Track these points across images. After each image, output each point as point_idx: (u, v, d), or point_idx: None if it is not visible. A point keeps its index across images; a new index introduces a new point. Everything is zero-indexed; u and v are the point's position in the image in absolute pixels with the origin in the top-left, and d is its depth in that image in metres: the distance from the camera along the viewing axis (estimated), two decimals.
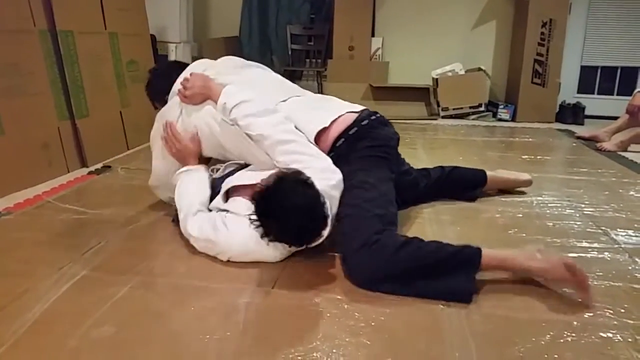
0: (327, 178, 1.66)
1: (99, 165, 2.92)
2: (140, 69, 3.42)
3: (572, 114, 4.64)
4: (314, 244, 1.53)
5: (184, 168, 1.91)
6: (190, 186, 1.86)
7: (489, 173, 2.35)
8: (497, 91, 5.08)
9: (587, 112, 4.66)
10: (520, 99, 4.64)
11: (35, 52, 2.60)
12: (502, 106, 4.75)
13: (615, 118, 3.89)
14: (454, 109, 4.75)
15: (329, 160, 1.74)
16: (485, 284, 1.55)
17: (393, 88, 4.83)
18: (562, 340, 1.28)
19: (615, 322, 1.37)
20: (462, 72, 4.82)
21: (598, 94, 4.95)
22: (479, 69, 4.79)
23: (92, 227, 2.00)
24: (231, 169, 1.96)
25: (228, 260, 1.67)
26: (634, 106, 3.59)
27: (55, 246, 1.82)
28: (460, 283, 1.46)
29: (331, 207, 1.61)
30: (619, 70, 4.87)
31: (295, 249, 1.65)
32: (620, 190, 2.58)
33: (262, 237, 1.46)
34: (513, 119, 4.68)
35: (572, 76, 4.90)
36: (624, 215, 2.20)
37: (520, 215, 2.18)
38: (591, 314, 1.40)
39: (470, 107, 4.77)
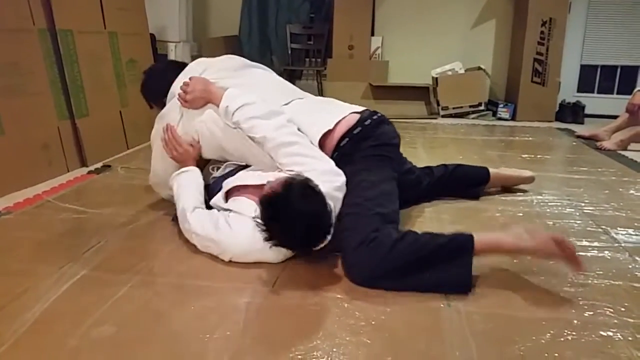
0: (330, 180, 1.67)
1: (98, 165, 2.92)
2: (140, 68, 3.41)
3: (572, 113, 4.64)
4: (315, 249, 1.54)
5: (179, 171, 1.92)
6: (187, 187, 1.86)
7: (491, 170, 2.36)
8: (497, 90, 5.08)
9: (587, 111, 4.66)
10: (520, 98, 4.64)
11: (35, 52, 2.60)
12: (502, 105, 4.75)
13: (615, 117, 3.89)
14: (453, 108, 4.75)
15: (332, 163, 1.75)
16: (485, 284, 1.55)
17: (393, 87, 4.83)
18: (562, 339, 1.28)
19: (616, 321, 1.37)
20: (462, 71, 4.82)
21: (598, 92, 4.95)
22: (479, 68, 4.78)
23: (92, 226, 2.00)
24: (231, 168, 1.97)
25: (229, 261, 1.67)
26: (634, 105, 3.59)
27: (55, 246, 1.82)
28: (458, 271, 1.49)
29: (334, 207, 1.62)
30: (618, 69, 4.87)
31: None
32: (620, 189, 2.58)
33: (265, 240, 1.46)
34: (513, 118, 4.68)
35: (572, 75, 4.90)
36: (624, 214, 2.20)
37: (521, 214, 2.18)
38: (591, 313, 1.40)
39: (470, 106, 4.77)
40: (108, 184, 2.61)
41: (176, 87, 1.98)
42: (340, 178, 1.71)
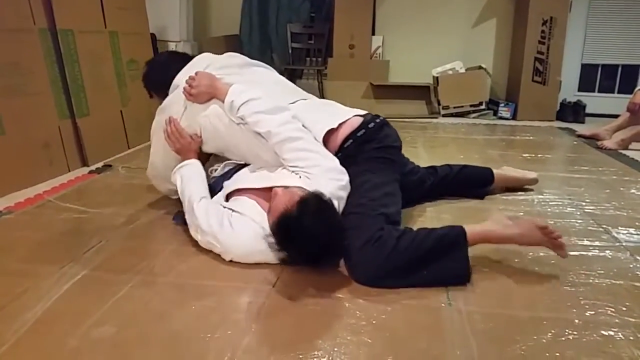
0: (336, 179, 1.69)
1: (99, 164, 2.92)
2: (141, 68, 3.41)
3: (572, 112, 4.63)
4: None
5: (181, 164, 1.91)
6: (191, 179, 1.86)
7: (495, 172, 2.36)
8: (498, 89, 5.07)
9: (587, 110, 4.65)
10: (520, 97, 4.63)
11: (36, 51, 2.60)
12: (502, 104, 4.74)
13: (616, 116, 3.88)
14: (454, 107, 4.74)
15: (337, 161, 1.76)
16: (486, 283, 1.55)
17: (393, 86, 4.82)
18: (563, 338, 1.28)
19: (617, 320, 1.36)
20: (463, 71, 4.81)
21: (599, 92, 4.94)
22: (480, 67, 4.78)
23: (92, 226, 2.00)
24: (230, 167, 1.97)
25: (230, 261, 1.67)
26: (635, 104, 3.59)
27: (56, 245, 1.82)
28: (455, 265, 1.54)
29: (339, 206, 1.63)
30: (619, 68, 4.86)
31: None
32: (621, 189, 2.58)
33: (280, 260, 1.53)
34: (514, 117, 4.68)
35: (572, 74, 4.89)
36: (625, 214, 2.20)
37: (522, 213, 2.18)
38: (593, 312, 1.40)
39: (471, 106, 4.76)
40: (109, 183, 2.61)
41: (180, 79, 1.98)
42: (345, 177, 1.72)
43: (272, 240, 1.48)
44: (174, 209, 2.07)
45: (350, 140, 1.85)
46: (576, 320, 1.36)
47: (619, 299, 1.47)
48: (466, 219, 2.09)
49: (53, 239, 1.88)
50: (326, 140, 1.84)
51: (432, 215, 2.13)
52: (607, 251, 1.81)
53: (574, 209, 2.25)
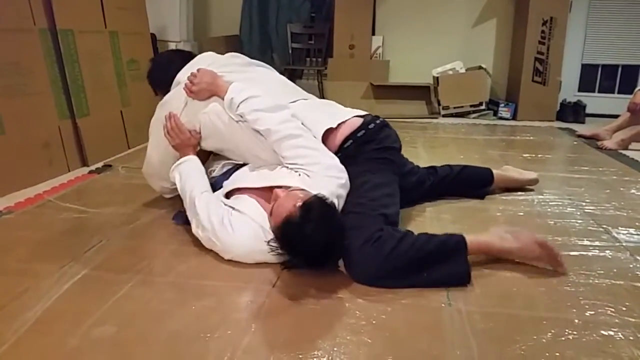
0: (336, 176, 1.69)
1: (99, 164, 2.92)
2: (141, 68, 3.42)
3: (572, 112, 4.63)
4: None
5: (179, 161, 1.91)
6: (190, 174, 1.86)
7: (495, 172, 2.36)
8: (498, 89, 5.07)
9: (588, 111, 4.65)
10: (521, 97, 4.63)
11: (36, 51, 2.60)
12: (502, 104, 4.74)
13: (616, 116, 3.89)
14: (454, 108, 4.74)
15: (336, 159, 1.76)
16: (485, 283, 1.55)
17: (394, 86, 4.82)
18: (563, 338, 1.28)
19: (617, 320, 1.36)
20: (463, 71, 4.81)
21: (599, 92, 4.94)
22: (480, 68, 4.78)
23: (92, 226, 2.00)
24: (229, 167, 1.97)
25: (229, 260, 1.67)
26: (635, 104, 3.59)
27: (56, 245, 1.82)
28: (455, 268, 1.54)
29: (338, 205, 1.63)
30: (619, 69, 4.86)
31: None
32: (622, 189, 2.58)
33: (282, 265, 1.53)
34: (514, 118, 4.68)
35: (572, 74, 4.89)
36: (625, 214, 2.20)
37: (522, 213, 2.18)
38: (593, 312, 1.40)
39: (471, 106, 4.76)
40: (109, 183, 2.61)
41: (182, 76, 1.99)
42: (344, 175, 1.72)
43: (273, 243, 1.48)
44: (174, 209, 2.08)
45: (350, 141, 1.86)
46: (576, 320, 1.36)
47: (619, 299, 1.47)
48: (466, 219, 2.10)
49: (53, 239, 1.88)
50: (325, 139, 1.84)
51: (432, 216, 2.13)
52: (607, 251, 1.81)
53: (574, 209, 2.25)
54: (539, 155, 3.29)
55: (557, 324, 1.34)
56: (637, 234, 1.97)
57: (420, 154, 3.26)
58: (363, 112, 1.98)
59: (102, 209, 2.18)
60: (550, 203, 2.32)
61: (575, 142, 3.78)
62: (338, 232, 1.49)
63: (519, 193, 2.43)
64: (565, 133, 4.13)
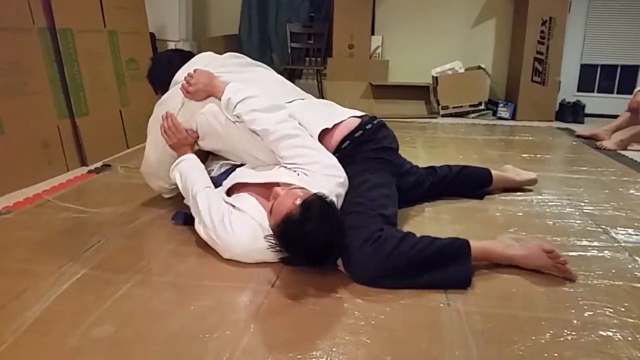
0: (335, 175, 1.69)
1: (98, 164, 2.92)
2: (140, 67, 3.42)
3: (572, 112, 4.63)
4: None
5: (178, 160, 1.91)
6: (190, 172, 1.86)
7: (494, 172, 2.37)
8: (497, 89, 5.07)
9: (587, 111, 4.65)
10: (520, 97, 4.63)
11: (35, 51, 2.60)
12: (502, 104, 4.74)
13: (615, 116, 3.89)
14: (453, 108, 4.75)
15: (334, 158, 1.76)
16: (484, 283, 1.55)
17: (393, 86, 4.82)
18: (562, 339, 1.28)
19: (615, 321, 1.37)
20: (462, 71, 4.81)
21: (598, 92, 4.94)
22: (479, 67, 4.78)
23: (91, 225, 2.00)
24: (226, 167, 1.96)
25: (229, 259, 1.67)
26: (637, 102, 3.58)
27: (55, 245, 1.82)
28: (458, 271, 1.53)
29: (337, 204, 1.64)
30: (618, 69, 4.86)
31: None
32: (620, 189, 2.58)
33: (282, 261, 1.52)
34: (513, 118, 4.68)
35: (572, 74, 4.89)
36: (623, 214, 2.20)
37: (521, 213, 2.18)
38: (591, 313, 1.40)
39: (470, 106, 4.76)
40: (108, 183, 2.61)
41: (180, 76, 1.99)
42: (343, 173, 1.73)
43: (272, 240, 1.48)
44: (173, 209, 2.08)
45: (348, 141, 1.86)
46: (575, 321, 1.36)
47: (618, 300, 1.48)
48: (465, 219, 2.10)
49: (52, 239, 1.88)
50: (321, 140, 1.84)
51: (431, 216, 2.13)
52: (606, 251, 1.82)
53: (572, 210, 2.25)
54: (538, 156, 3.30)
55: (556, 324, 1.34)
56: (636, 235, 1.97)
57: (420, 153, 3.26)
58: (360, 113, 1.99)
59: (101, 208, 2.18)
60: (549, 203, 2.32)
61: (574, 142, 3.78)
62: (338, 230, 1.49)
63: (518, 193, 2.43)
64: (564, 133, 4.13)
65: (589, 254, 1.80)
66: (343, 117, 1.92)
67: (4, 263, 1.68)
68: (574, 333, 1.31)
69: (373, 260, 1.51)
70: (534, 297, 1.49)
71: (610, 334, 1.31)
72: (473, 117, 4.74)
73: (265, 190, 1.70)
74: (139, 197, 2.30)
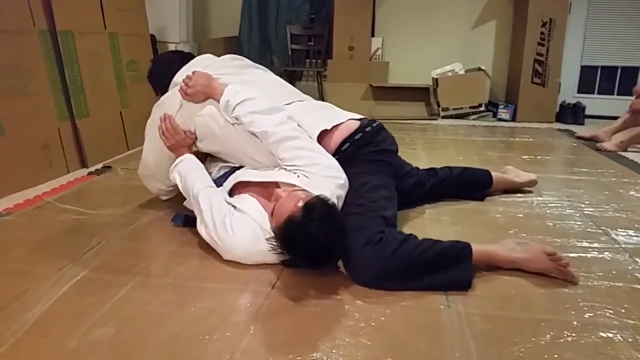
0: (335, 177, 1.69)
1: (99, 166, 2.92)
2: (140, 69, 3.42)
3: (572, 113, 4.63)
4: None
5: (176, 161, 1.90)
6: (190, 172, 1.85)
7: (494, 174, 2.37)
8: (497, 91, 5.07)
9: (587, 112, 4.65)
10: (520, 98, 4.63)
11: (35, 53, 2.60)
12: (502, 106, 4.74)
13: (616, 118, 3.89)
14: (454, 109, 4.75)
15: (334, 159, 1.76)
16: (485, 285, 1.55)
17: (393, 88, 4.82)
18: (562, 340, 1.28)
19: (616, 322, 1.36)
20: (462, 72, 4.81)
21: (598, 93, 4.94)
22: (479, 69, 4.78)
23: (92, 227, 2.00)
24: (225, 170, 1.96)
25: (229, 260, 1.67)
26: None
27: (55, 247, 1.82)
28: (459, 273, 1.53)
29: (338, 205, 1.64)
30: (619, 70, 4.86)
31: None
32: (621, 190, 2.58)
33: (282, 263, 1.54)
34: (513, 119, 4.68)
35: (572, 76, 4.89)
36: (624, 215, 2.20)
37: (521, 215, 2.18)
38: (591, 314, 1.40)
39: (471, 107, 4.76)
40: (108, 185, 2.61)
41: (179, 77, 1.99)
42: (343, 175, 1.73)
43: (273, 242, 1.48)
44: (173, 211, 2.08)
45: (348, 144, 1.86)
46: (575, 322, 1.36)
47: (618, 301, 1.47)
48: (465, 221, 2.10)
49: (52, 240, 1.88)
50: (320, 141, 1.84)
51: (432, 217, 2.13)
52: (606, 253, 1.81)
53: (573, 211, 2.25)
54: (538, 157, 3.30)
55: (556, 326, 1.34)
56: (636, 236, 1.97)
57: (420, 155, 3.26)
58: (359, 116, 1.99)
59: (101, 210, 2.18)
60: (550, 205, 2.32)
61: (574, 144, 3.78)
62: (339, 232, 1.49)
63: (518, 195, 2.43)
64: (565, 134, 4.13)
65: (589, 255, 1.80)
66: (342, 119, 1.93)
67: (4, 264, 1.68)
68: (574, 334, 1.30)
69: (374, 262, 1.51)
70: (534, 298, 1.49)
71: (611, 335, 1.31)
72: (473, 119, 4.74)
73: (266, 190, 1.70)
74: (139, 198, 2.30)
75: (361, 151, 1.86)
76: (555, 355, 1.22)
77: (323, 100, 4.71)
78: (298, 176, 1.66)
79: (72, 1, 2.84)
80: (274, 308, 1.42)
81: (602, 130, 3.79)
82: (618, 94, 4.85)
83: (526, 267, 1.62)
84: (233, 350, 1.22)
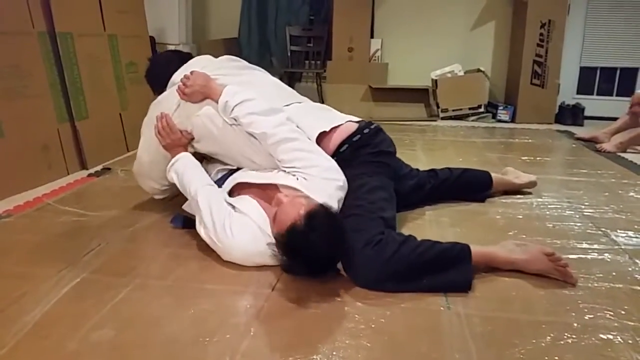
0: (334, 178, 1.69)
1: (98, 168, 2.92)
2: (140, 70, 3.41)
3: (571, 115, 4.64)
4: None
5: (172, 160, 1.89)
6: (187, 170, 1.84)
7: (494, 175, 2.37)
8: (497, 92, 5.08)
9: (586, 113, 4.66)
10: (519, 100, 4.64)
11: (35, 54, 2.60)
12: (501, 107, 4.75)
13: (615, 119, 3.89)
14: (453, 110, 4.75)
15: (333, 161, 1.76)
16: (485, 286, 1.55)
17: (392, 89, 4.82)
18: (562, 342, 1.28)
19: (616, 324, 1.36)
20: (462, 73, 4.82)
21: (597, 94, 4.95)
22: (478, 70, 4.78)
23: (91, 229, 2.00)
24: (223, 173, 1.95)
25: (228, 261, 1.67)
26: None
27: (55, 249, 1.82)
28: (459, 275, 1.53)
29: (337, 207, 1.64)
30: (618, 71, 4.87)
31: None
32: (620, 192, 2.58)
33: (282, 268, 1.53)
34: (512, 120, 4.68)
35: (571, 77, 4.90)
36: (623, 217, 2.20)
37: (520, 216, 2.18)
38: (591, 316, 1.40)
39: (470, 109, 4.77)
40: (108, 186, 2.61)
41: (177, 77, 1.98)
42: (342, 177, 1.72)
43: (274, 248, 1.48)
44: (173, 212, 2.07)
45: (346, 145, 1.86)
46: (575, 324, 1.36)
47: (618, 303, 1.47)
48: (465, 222, 2.10)
49: (52, 242, 1.88)
50: (319, 143, 1.84)
51: (431, 219, 2.13)
52: (606, 254, 1.82)
53: (572, 212, 2.25)
54: (538, 158, 3.30)
55: (556, 327, 1.34)
56: (636, 237, 1.97)
57: (419, 156, 3.26)
58: (357, 118, 1.99)
59: (101, 212, 2.18)
60: (549, 206, 2.32)
61: (573, 145, 3.79)
62: (341, 241, 1.49)
63: (518, 196, 2.43)
64: (564, 136, 4.13)
65: (589, 256, 1.80)
66: (340, 121, 1.93)
67: (3, 267, 1.68)
68: (574, 336, 1.30)
69: (374, 264, 1.51)
70: (534, 300, 1.49)
71: (611, 337, 1.31)
72: (473, 120, 4.74)
73: (265, 193, 1.70)
74: (138, 200, 2.30)
75: (359, 153, 1.86)
76: (556, 357, 1.22)
77: (323, 101, 4.73)
78: (297, 178, 1.66)
79: (71, 3, 2.84)
80: (274, 310, 1.42)
81: (602, 132, 3.79)
82: (617, 95, 4.85)
83: (525, 268, 1.62)
84: (233, 352, 1.22)
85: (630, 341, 1.28)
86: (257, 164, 1.84)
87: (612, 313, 1.42)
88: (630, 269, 1.70)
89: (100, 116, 3.06)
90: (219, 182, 1.89)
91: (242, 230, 1.63)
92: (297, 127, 1.81)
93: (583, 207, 2.32)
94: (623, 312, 1.42)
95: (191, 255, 1.75)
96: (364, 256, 1.52)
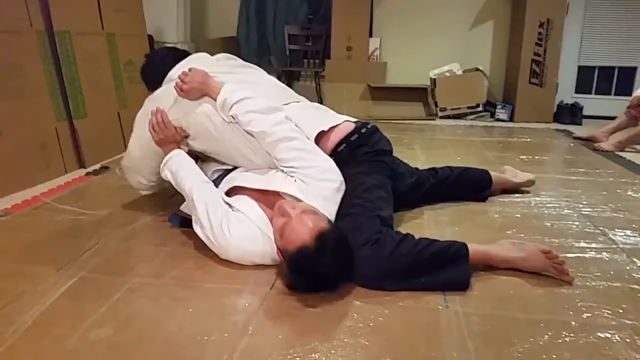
0: (332, 180, 1.69)
1: (96, 166, 2.92)
2: (138, 69, 3.40)
3: (569, 114, 4.65)
4: None
5: (166, 158, 1.86)
6: (181, 168, 1.82)
7: (493, 174, 2.37)
8: (495, 91, 5.08)
9: (584, 112, 4.67)
10: (518, 99, 4.65)
11: (32, 53, 2.60)
12: (499, 106, 4.75)
13: (613, 118, 3.90)
14: (451, 109, 4.75)
15: (332, 161, 1.76)
16: (483, 285, 1.56)
17: (391, 88, 4.83)
18: (560, 341, 1.28)
19: (614, 323, 1.37)
20: (460, 72, 4.82)
21: (595, 94, 4.95)
22: (477, 69, 4.79)
23: (90, 228, 2.00)
24: (219, 174, 1.95)
25: (226, 260, 1.67)
26: None
27: (53, 247, 1.81)
28: (456, 273, 1.54)
29: (333, 211, 1.64)
30: (616, 70, 4.88)
31: None
32: (618, 191, 2.58)
33: (288, 286, 1.52)
34: (511, 119, 4.69)
35: (569, 76, 4.90)
36: (621, 215, 2.21)
37: (519, 215, 2.18)
38: (589, 315, 1.41)
39: (468, 107, 4.77)
40: (106, 185, 2.61)
41: (174, 73, 1.96)
42: (340, 178, 1.72)
43: (274, 246, 1.49)
44: (171, 211, 2.07)
45: (344, 145, 1.86)
46: (573, 323, 1.37)
47: (616, 301, 1.48)
48: (464, 221, 2.10)
49: (50, 241, 1.87)
50: (317, 142, 1.84)
51: (430, 217, 2.13)
52: (604, 253, 1.82)
53: (571, 211, 2.25)
54: (536, 157, 3.30)
55: (554, 326, 1.34)
56: (634, 236, 1.98)
57: (418, 155, 3.26)
58: (353, 119, 1.99)
59: (99, 210, 2.18)
60: (547, 205, 2.32)
61: (572, 144, 3.79)
62: (349, 263, 1.49)
63: (516, 195, 2.43)
64: (562, 135, 4.14)
65: (587, 255, 1.80)
66: (338, 120, 1.93)
67: (1, 265, 1.67)
68: (572, 335, 1.31)
69: (372, 262, 1.51)
70: (532, 298, 1.49)
71: (609, 335, 1.31)
72: (471, 119, 4.75)
73: (264, 196, 1.69)
74: (137, 199, 2.30)
75: (357, 152, 1.86)
76: (554, 356, 1.22)
77: (321, 100, 4.73)
78: (295, 180, 1.65)
79: (69, 1, 2.84)
80: (272, 308, 1.42)
81: (600, 131, 3.80)
82: (615, 94, 4.86)
83: (522, 267, 1.62)
84: (231, 351, 1.22)
85: (627, 340, 1.29)
86: (255, 163, 1.83)
87: (609, 312, 1.42)
88: (628, 267, 1.71)
89: (99, 115, 3.05)
90: (215, 183, 1.88)
91: (239, 230, 1.62)
92: (296, 126, 1.81)
93: (581, 206, 2.32)
94: (621, 311, 1.42)
95: (189, 253, 1.75)
96: (362, 255, 1.52)
